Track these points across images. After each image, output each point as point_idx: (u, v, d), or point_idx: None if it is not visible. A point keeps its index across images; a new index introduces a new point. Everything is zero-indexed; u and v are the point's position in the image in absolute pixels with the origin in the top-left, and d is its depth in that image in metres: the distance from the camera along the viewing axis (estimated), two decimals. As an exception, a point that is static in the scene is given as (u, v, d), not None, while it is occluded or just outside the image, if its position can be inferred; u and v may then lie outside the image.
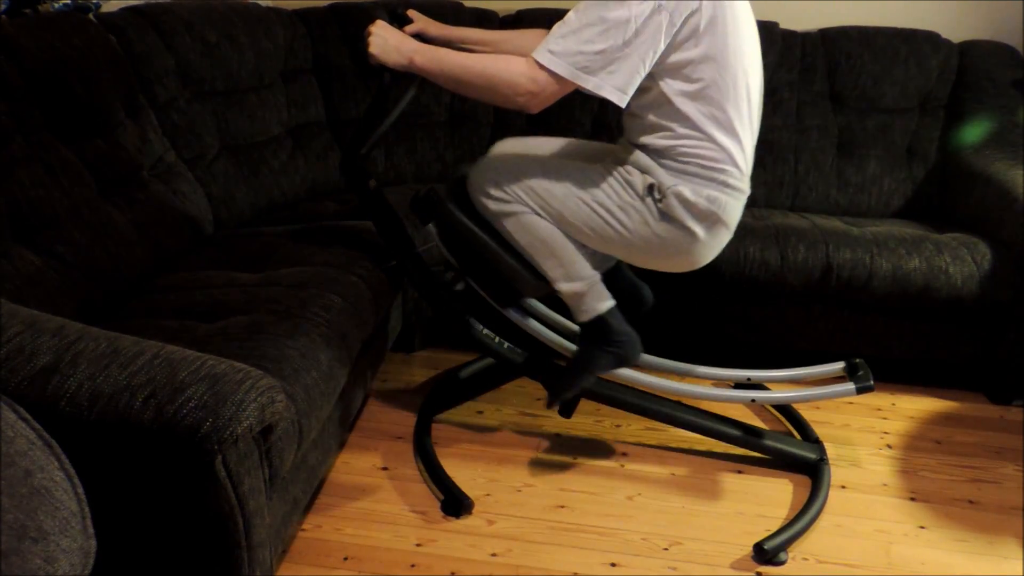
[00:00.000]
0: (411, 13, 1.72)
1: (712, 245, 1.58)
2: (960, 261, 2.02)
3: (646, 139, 1.52)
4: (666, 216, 1.52)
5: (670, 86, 1.44)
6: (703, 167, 1.48)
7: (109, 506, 1.03)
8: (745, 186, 1.55)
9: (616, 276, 1.82)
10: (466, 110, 2.63)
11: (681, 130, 1.47)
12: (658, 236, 1.54)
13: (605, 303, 1.66)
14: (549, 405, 1.83)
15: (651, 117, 1.50)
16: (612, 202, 1.54)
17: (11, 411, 0.92)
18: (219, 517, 1.15)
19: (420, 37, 1.65)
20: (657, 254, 1.59)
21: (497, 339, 1.86)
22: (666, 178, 1.50)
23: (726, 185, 1.50)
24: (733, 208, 1.54)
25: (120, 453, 1.11)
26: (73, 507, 0.87)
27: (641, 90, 1.44)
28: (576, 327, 1.90)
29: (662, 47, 1.39)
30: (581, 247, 1.62)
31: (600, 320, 1.66)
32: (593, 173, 1.57)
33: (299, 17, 2.57)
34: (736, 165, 1.50)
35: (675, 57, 1.41)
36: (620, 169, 1.56)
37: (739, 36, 1.43)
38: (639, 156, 1.54)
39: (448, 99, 2.64)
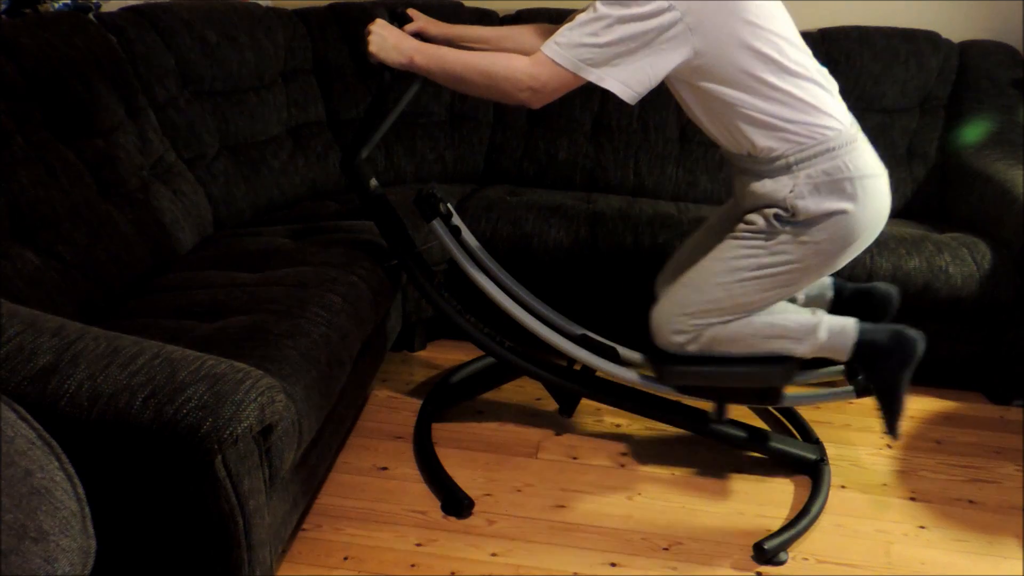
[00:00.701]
0: (411, 12, 1.72)
1: (871, 203, 1.47)
2: (960, 261, 2.02)
3: (739, 151, 1.50)
4: (810, 222, 1.47)
5: (713, 87, 1.42)
6: (798, 150, 1.43)
7: (109, 506, 1.03)
8: (846, 130, 1.46)
9: (839, 295, 1.77)
10: (466, 110, 2.63)
11: (757, 127, 1.44)
12: (820, 242, 1.48)
13: (849, 330, 1.60)
14: (892, 435, 1.69)
15: (722, 126, 1.48)
16: (762, 258, 1.51)
17: (11, 411, 0.92)
18: (219, 517, 1.15)
19: (420, 36, 1.65)
20: (836, 254, 1.51)
21: (498, 339, 1.86)
22: (778, 193, 1.46)
23: (830, 149, 1.44)
24: (856, 158, 1.45)
25: (120, 453, 1.10)
26: (73, 507, 0.87)
27: (701, 107, 1.44)
28: (575, 328, 1.91)
29: (673, 43, 1.36)
30: (783, 308, 1.59)
31: (859, 347, 1.60)
32: (727, 252, 1.54)
33: (299, 17, 2.57)
34: (822, 123, 1.43)
35: (702, 61, 1.39)
36: (741, 227, 1.53)
37: (744, 3, 1.38)
38: (748, 191, 1.52)
39: (448, 99, 2.64)
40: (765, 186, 1.49)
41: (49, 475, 0.88)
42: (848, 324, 1.61)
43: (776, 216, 1.48)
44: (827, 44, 2.51)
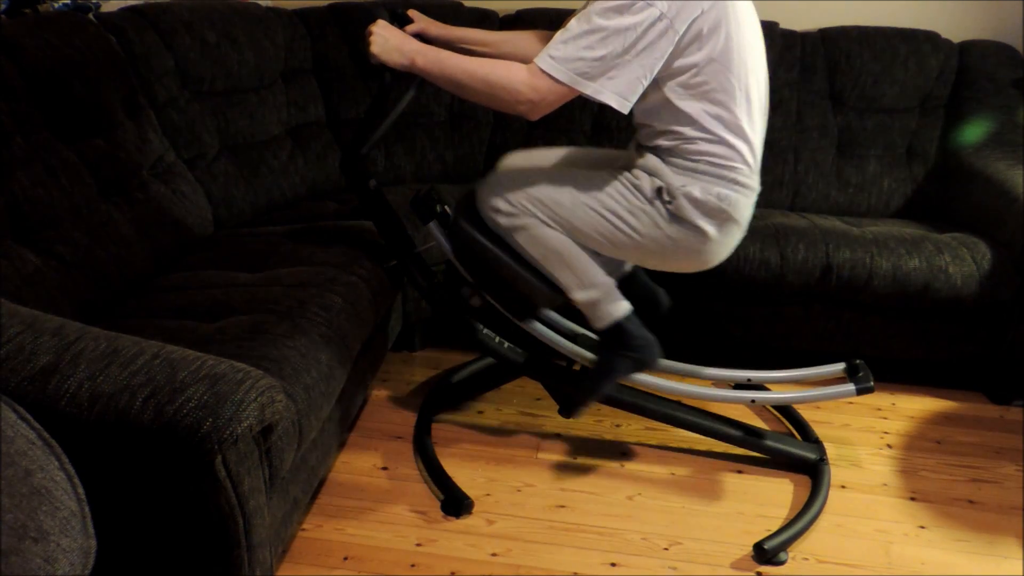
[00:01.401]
0: (412, 13, 1.72)
1: (725, 243, 1.57)
2: (960, 261, 2.02)
3: (654, 141, 1.53)
4: (676, 217, 1.52)
5: (674, 89, 1.44)
6: (712, 165, 1.48)
7: (109, 506, 1.03)
8: (755, 183, 1.55)
9: (632, 281, 1.81)
10: (466, 110, 2.63)
11: (688, 131, 1.47)
12: (670, 238, 1.54)
13: (621, 309, 1.65)
14: (567, 415, 1.81)
15: (658, 120, 1.50)
16: (621, 207, 1.54)
17: (11, 411, 0.92)
18: (219, 517, 1.15)
19: (420, 37, 1.65)
20: (670, 256, 1.59)
21: (497, 339, 1.87)
22: (675, 179, 1.50)
23: (736, 183, 1.50)
24: (744, 205, 1.54)
25: (120, 453, 1.11)
26: (73, 507, 0.87)
27: (646, 95, 1.44)
28: (582, 330, 1.91)
29: (666, 55, 1.39)
30: (594, 254, 1.62)
31: (618, 326, 1.65)
32: (600, 180, 1.57)
33: (299, 17, 2.57)
34: (745, 162, 1.50)
35: (679, 62, 1.42)
36: (627, 174, 1.56)
37: (742, 36, 1.43)
38: (647, 159, 1.54)
39: (448, 99, 2.64)
40: (664, 168, 1.52)
41: (49, 475, 0.88)
42: (624, 305, 1.66)
43: (659, 190, 1.52)
44: (827, 44, 2.51)
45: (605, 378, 1.71)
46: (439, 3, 2.60)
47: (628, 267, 1.82)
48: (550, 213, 1.58)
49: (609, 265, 1.65)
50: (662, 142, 1.51)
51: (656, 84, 1.44)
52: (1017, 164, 2.24)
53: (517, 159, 1.81)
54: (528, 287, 1.68)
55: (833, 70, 2.51)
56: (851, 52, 2.48)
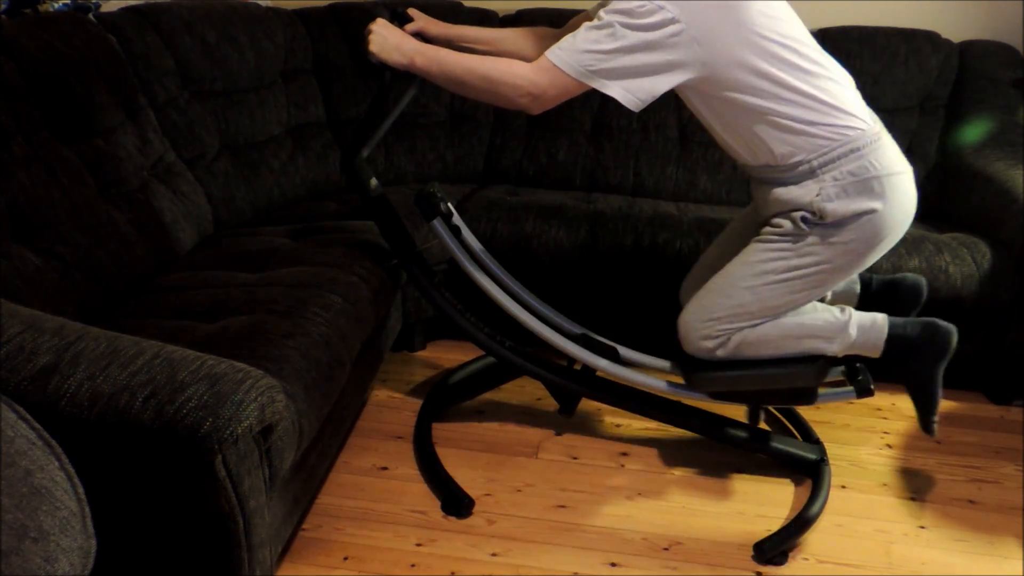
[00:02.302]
0: (411, 12, 1.72)
1: (899, 199, 1.46)
2: (960, 261, 2.02)
3: (758, 161, 1.50)
4: (838, 223, 1.45)
5: (730, 96, 1.41)
6: (821, 153, 1.42)
7: (109, 506, 1.03)
8: (870, 127, 1.44)
9: (866, 290, 1.75)
10: (466, 110, 2.63)
11: (777, 133, 1.42)
12: (849, 242, 1.47)
13: (879, 326, 1.59)
14: (928, 431, 1.65)
15: (741, 137, 1.47)
16: (790, 261, 1.49)
17: (11, 411, 0.92)
18: (219, 517, 1.15)
19: (420, 36, 1.65)
20: (866, 253, 1.49)
21: (497, 338, 1.86)
22: (804, 195, 1.45)
23: (853, 150, 1.42)
24: (881, 156, 1.43)
25: (120, 453, 1.10)
26: (73, 507, 0.87)
27: (718, 119, 1.43)
28: (575, 327, 1.91)
29: (685, 61, 1.36)
30: (813, 308, 1.57)
31: (891, 342, 1.58)
32: (753, 256, 1.53)
33: (299, 17, 2.57)
34: (846, 123, 1.42)
35: (715, 71, 1.38)
36: (768, 230, 1.52)
37: (749, 9, 1.37)
38: (771, 199, 1.51)
39: (448, 99, 2.64)
40: (790, 192, 1.48)
41: (49, 475, 0.88)
42: (878, 319, 1.59)
43: (803, 219, 1.47)
44: (827, 44, 2.50)
45: (928, 386, 1.61)
46: (439, 3, 2.60)
47: (855, 287, 1.75)
48: (747, 317, 1.55)
49: (841, 298, 1.63)
50: (763, 158, 1.47)
51: (713, 99, 1.42)
52: (1017, 164, 2.24)
53: (689, 288, 1.76)
54: (793, 378, 1.64)
55: (833, 70, 2.50)
56: (851, 52, 2.48)
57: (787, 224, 1.49)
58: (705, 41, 1.36)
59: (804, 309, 1.57)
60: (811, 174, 1.45)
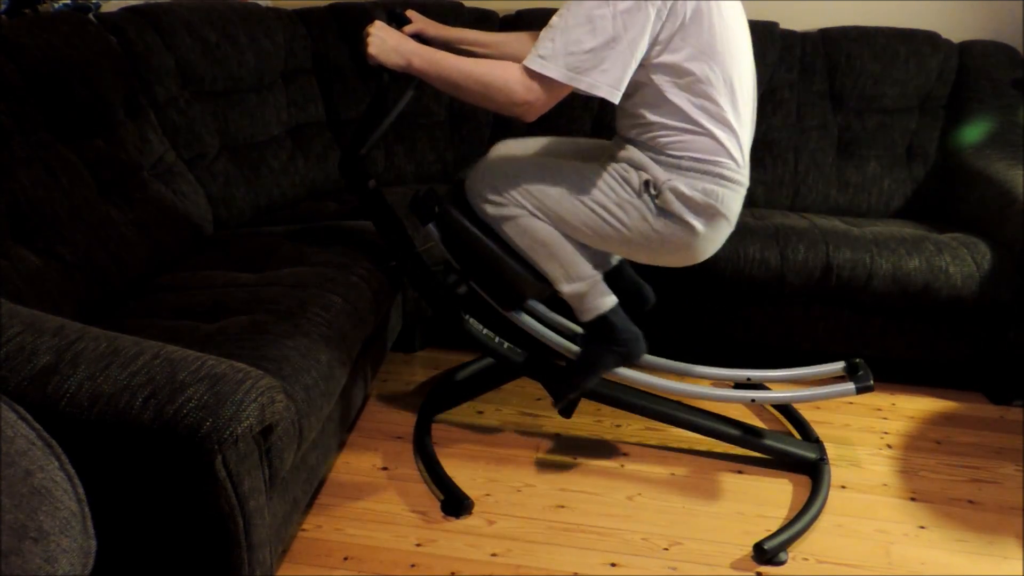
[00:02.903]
0: (410, 13, 1.72)
1: (712, 238, 1.57)
2: (960, 261, 2.02)
3: (640, 135, 1.53)
4: (664, 212, 1.52)
5: (661, 80, 1.44)
6: (698, 160, 1.48)
7: (109, 506, 1.03)
8: (743, 178, 1.54)
9: (618, 275, 1.82)
10: (466, 110, 2.63)
11: (674, 124, 1.47)
12: (657, 232, 1.54)
13: (607, 302, 1.66)
14: (555, 405, 1.82)
15: (643, 113, 1.50)
16: (609, 200, 1.54)
17: (11, 411, 0.92)
18: (219, 517, 1.15)
19: (418, 37, 1.65)
20: (657, 250, 1.59)
21: (497, 339, 1.86)
22: (661, 173, 1.50)
23: (722, 177, 1.50)
24: (732, 200, 1.53)
25: (120, 453, 1.11)
26: (73, 507, 0.87)
27: (632, 86, 1.44)
28: (578, 328, 1.90)
29: (647, 39, 1.38)
30: (581, 247, 1.62)
31: (603, 319, 1.66)
32: (589, 172, 1.57)
33: (299, 17, 2.57)
34: (731, 157, 1.50)
35: (663, 53, 1.41)
36: (616, 166, 1.56)
37: (727, 29, 1.43)
38: (634, 153, 1.54)
39: (448, 99, 2.64)
40: (647, 162, 1.52)
41: (49, 475, 0.88)
42: (610, 299, 1.67)
43: (646, 183, 1.52)
44: (827, 44, 2.51)
45: (589, 370, 1.72)
46: (439, 3, 2.60)
47: (615, 261, 1.82)
48: (538, 204, 1.58)
49: (596, 258, 1.65)
50: (647, 136, 1.51)
51: (643, 75, 1.44)
52: (1017, 164, 2.24)
53: (508, 147, 1.81)
54: (515, 277, 1.68)
55: (833, 70, 2.51)
56: (851, 52, 2.48)
57: (634, 177, 1.53)
58: (669, 25, 1.39)
59: (573, 242, 1.61)
60: (675, 167, 1.50)
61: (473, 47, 1.71)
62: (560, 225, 1.59)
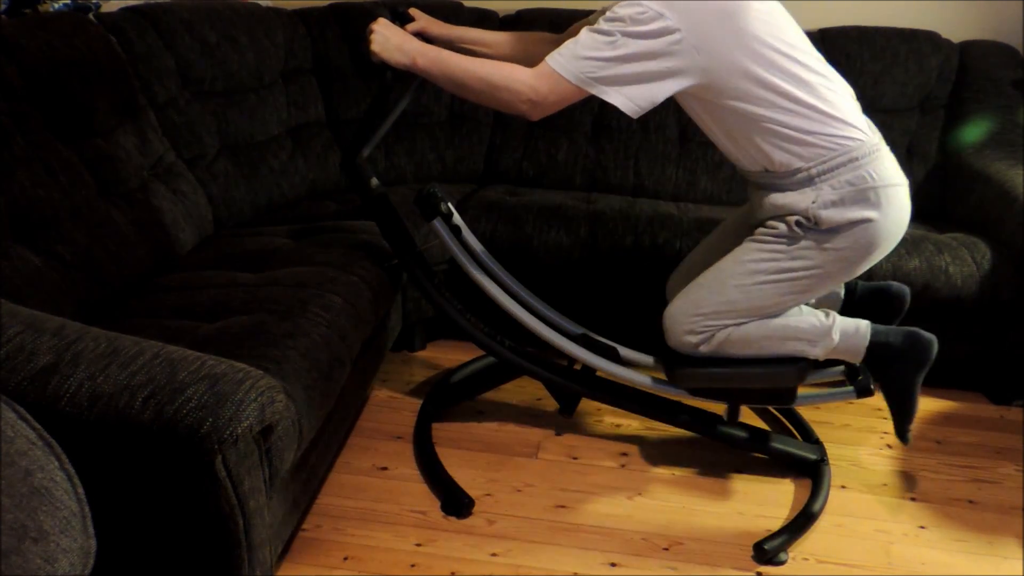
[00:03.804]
0: (412, 12, 1.72)
1: (894, 212, 1.47)
2: (960, 261, 2.02)
3: (761, 170, 1.50)
4: (833, 230, 1.46)
5: (735, 107, 1.41)
6: (820, 162, 1.43)
7: (109, 506, 1.03)
8: (867, 137, 1.46)
9: (851, 294, 1.76)
10: (466, 110, 2.63)
11: (777, 141, 1.43)
12: (842, 249, 1.48)
13: (862, 332, 1.60)
14: (901, 439, 1.69)
15: (739, 144, 1.48)
16: (782, 262, 1.50)
17: (11, 411, 0.92)
18: (219, 517, 1.15)
19: (421, 36, 1.65)
20: (858, 261, 1.51)
21: (497, 339, 1.86)
22: (802, 200, 1.46)
23: (853, 159, 1.43)
24: (879, 167, 1.45)
25: (120, 453, 1.10)
26: (73, 507, 0.87)
27: (721, 121, 1.43)
28: (575, 327, 1.91)
29: (684, 69, 1.37)
30: (798, 310, 1.58)
31: (872, 348, 1.60)
32: (745, 255, 1.54)
33: (299, 17, 2.57)
34: (845, 134, 1.43)
35: (713, 83, 1.39)
36: (762, 230, 1.53)
37: (750, 21, 1.38)
38: (766, 203, 1.51)
39: (448, 99, 2.64)
40: (787, 197, 1.48)
41: (49, 475, 0.88)
42: (861, 326, 1.60)
43: (798, 223, 1.47)
44: (827, 44, 2.51)
45: (906, 395, 1.63)
46: (440, 3, 2.60)
47: (840, 290, 1.76)
48: (734, 315, 1.55)
49: (822, 303, 1.63)
50: (764, 166, 1.48)
51: (712, 106, 1.43)
52: (1017, 164, 2.24)
53: (676, 284, 1.76)
54: (774, 379, 1.65)
55: (833, 70, 2.50)
56: (851, 52, 2.48)
57: (782, 227, 1.50)
58: (705, 49, 1.36)
59: (790, 311, 1.58)
60: (809, 182, 1.46)
61: (475, 46, 1.71)
62: (764, 313, 1.55)
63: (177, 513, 1.17)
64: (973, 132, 2.43)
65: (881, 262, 2.01)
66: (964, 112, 2.46)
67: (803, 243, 1.48)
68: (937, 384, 2.25)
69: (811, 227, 1.47)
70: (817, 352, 1.60)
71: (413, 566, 1.57)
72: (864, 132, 1.46)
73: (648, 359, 1.86)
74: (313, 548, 1.61)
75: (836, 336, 1.59)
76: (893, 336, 1.60)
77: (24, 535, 0.79)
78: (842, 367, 1.83)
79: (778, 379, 1.65)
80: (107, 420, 1.05)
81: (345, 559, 1.59)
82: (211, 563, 1.20)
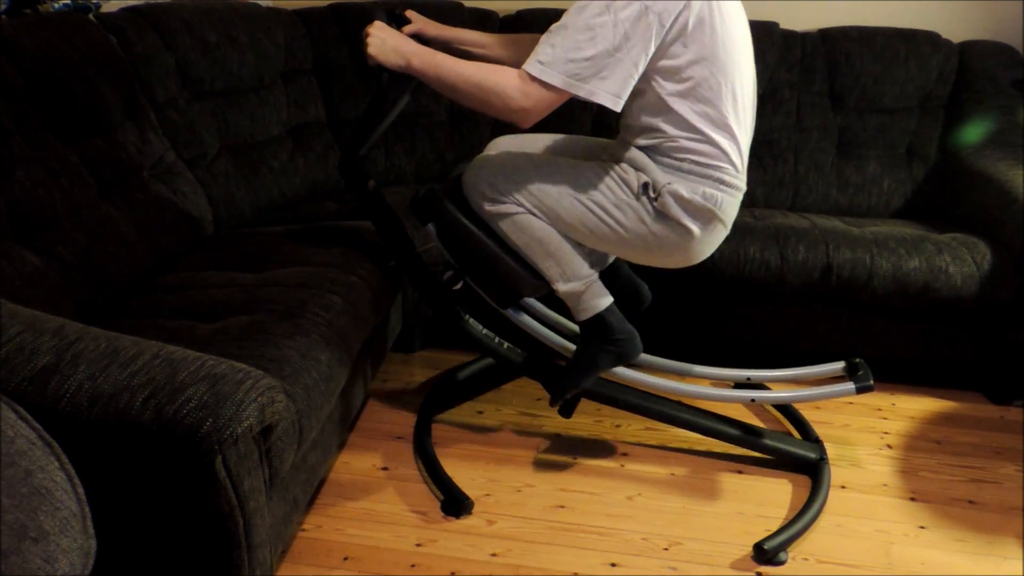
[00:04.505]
0: (409, 14, 1.72)
1: (709, 242, 1.58)
2: (960, 261, 2.02)
3: (640, 138, 1.53)
4: (661, 214, 1.53)
5: (662, 86, 1.44)
6: (697, 164, 1.49)
7: (109, 506, 1.03)
8: (741, 183, 1.55)
9: (614, 274, 1.82)
10: (466, 110, 2.63)
11: (674, 130, 1.47)
12: (654, 234, 1.55)
13: (603, 301, 1.66)
14: (552, 404, 1.82)
15: (645, 118, 1.50)
16: (608, 200, 1.55)
17: (11, 411, 0.92)
18: (219, 517, 1.15)
19: (418, 38, 1.65)
20: (654, 251, 1.59)
21: (496, 339, 1.86)
22: (661, 176, 1.50)
23: (721, 182, 1.50)
24: (729, 205, 1.54)
25: (120, 453, 1.11)
26: (73, 507, 0.87)
27: (634, 92, 1.44)
28: (575, 327, 1.91)
29: (652, 49, 1.39)
30: (577, 246, 1.62)
31: (599, 318, 1.66)
32: (588, 171, 1.57)
33: (299, 17, 2.57)
34: (731, 162, 1.50)
35: (666, 61, 1.42)
36: (615, 167, 1.56)
37: (728, 34, 1.43)
38: (634, 154, 1.54)
39: (448, 99, 2.63)
40: (651, 164, 1.52)
41: (49, 475, 0.88)
42: (606, 299, 1.67)
43: (645, 185, 1.52)
44: (827, 44, 2.51)
45: (585, 370, 1.71)
46: (439, 3, 2.60)
47: (611, 259, 1.82)
48: (536, 202, 1.58)
49: (592, 257, 1.66)
50: (648, 139, 1.51)
51: (644, 81, 1.44)
52: (1017, 164, 2.24)
53: (506, 143, 1.80)
54: (511, 274, 1.68)
55: (833, 70, 2.51)
56: (851, 52, 2.48)
57: (633, 178, 1.53)
58: (673, 25, 1.38)
59: (570, 239, 1.62)
60: (677, 170, 1.50)
61: (472, 48, 1.71)
62: (557, 224, 1.59)
63: (177, 513, 1.17)
64: (973, 132, 2.43)
65: (881, 262, 2.02)
66: (964, 112, 2.46)
67: (634, 204, 1.53)
68: (937, 384, 2.25)
69: (651, 198, 1.52)
70: (562, 287, 1.64)
71: (413, 566, 1.57)
72: (742, 174, 1.55)
73: (651, 359, 1.86)
74: (313, 548, 1.61)
75: (584, 288, 1.64)
76: (619, 324, 1.67)
77: (24, 535, 0.79)
78: (843, 364, 1.83)
79: (516, 279, 1.68)
80: (107, 420, 1.05)
81: (345, 559, 1.59)
82: (211, 563, 1.20)
